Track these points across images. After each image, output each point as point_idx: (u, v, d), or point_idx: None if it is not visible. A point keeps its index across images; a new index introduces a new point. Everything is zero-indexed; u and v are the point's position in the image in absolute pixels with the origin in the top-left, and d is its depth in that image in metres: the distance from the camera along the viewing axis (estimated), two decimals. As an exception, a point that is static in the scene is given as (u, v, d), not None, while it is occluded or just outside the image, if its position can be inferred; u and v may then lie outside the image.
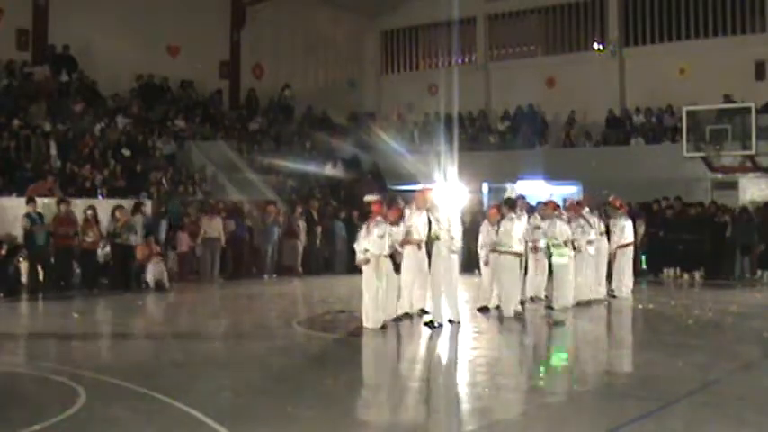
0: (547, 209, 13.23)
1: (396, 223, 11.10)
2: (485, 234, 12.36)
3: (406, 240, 11.30)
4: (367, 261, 10.59)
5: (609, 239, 14.48)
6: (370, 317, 10.61)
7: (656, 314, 13.02)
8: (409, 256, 11.38)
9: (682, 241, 18.35)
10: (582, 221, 13.37)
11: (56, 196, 16.47)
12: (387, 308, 11.04)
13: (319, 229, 20.16)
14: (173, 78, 24.03)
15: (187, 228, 18.21)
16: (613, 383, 7.80)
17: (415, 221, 11.35)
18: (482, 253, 12.40)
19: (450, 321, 11.11)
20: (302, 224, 19.68)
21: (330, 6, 27.76)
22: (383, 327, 10.62)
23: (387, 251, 10.76)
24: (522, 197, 13.79)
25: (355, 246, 10.89)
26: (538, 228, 13.00)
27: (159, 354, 9.51)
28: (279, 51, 26.98)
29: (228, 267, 18.74)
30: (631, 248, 14.97)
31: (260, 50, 26.64)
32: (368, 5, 28.77)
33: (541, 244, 12.91)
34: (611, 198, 15.14)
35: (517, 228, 11.95)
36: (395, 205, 11.57)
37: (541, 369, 8.66)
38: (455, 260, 11.40)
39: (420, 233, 11.34)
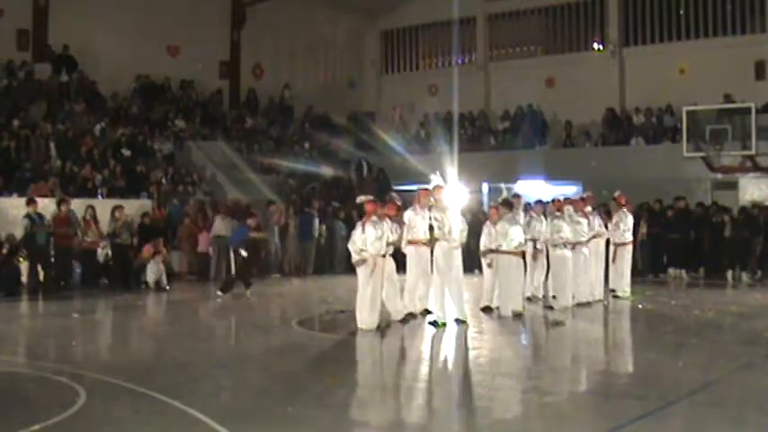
0: (551, 207, 13.26)
1: (394, 218, 11.11)
2: (486, 235, 12.36)
3: (412, 240, 11.30)
4: (364, 261, 10.56)
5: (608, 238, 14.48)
6: (365, 318, 10.57)
7: (656, 314, 13.01)
8: (413, 255, 11.38)
9: (682, 241, 18.35)
10: (581, 220, 13.32)
11: (56, 196, 16.49)
12: (389, 308, 11.05)
13: (324, 228, 20.27)
14: (173, 78, 24.04)
15: (204, 227, 18.37)
16: (613, 383, 7.80)
17: (419, 221, 11.34)
18: (484, 254, 12.40)
19: (456, 321, 11.11)
20: (292, 223, 19.80)
21: (330, 6, 27.74)
22: (378, 328, 10.60)
23: (384, 251, 10.74)
24: (518, 195, 13.80)
25: (349, 245, 10.85)
26: (535, 226, 13.03)
27: (159, 354, 9.51)
28: (279, 51, 26.98)
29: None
30: (630, 248, 14.95)
31: (260, 50, 26.65)
32: (368, 5, 28.76)
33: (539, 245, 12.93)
34: (616, 194, 15.11)
35: (514, 228, 11.94)
36: (390, 201, 11.53)
37: (542, 369, 8.66)
38: (459, 259, 11.39)
39: (425, 233, 11.33)
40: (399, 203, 11.64)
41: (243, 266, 15.01)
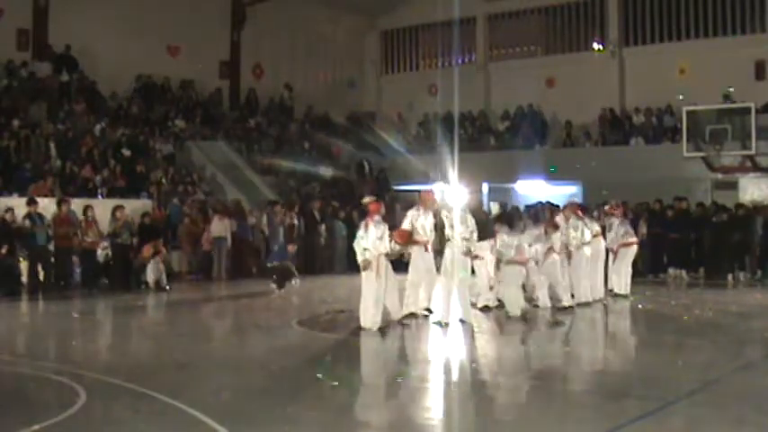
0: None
1: (405, 244, 11.12)
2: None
3: (414, 241, 11.30)
4: (369, 263, 10.55)
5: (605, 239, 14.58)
6: (369, 318, 10.59)
7: (656, 314, 13.02)
8: (417, 256, 11.39)
9: (682, 241, 18.35)
10: (579, 223, 13.43)
11: (56, 196, 16.49)
12: (387, 305, 11.05)
13: (323, 228, 20.26)
14: (173, 78, 24.05)
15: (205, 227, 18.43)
16: (613, 383, 7.80)
17: (422, 222, 11.35)
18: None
19: (461, 321, 11.13)
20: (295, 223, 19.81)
21: (330, 6, 27.75)
22: (381, 328, 10.60)
23: (386, 251, 10.73)
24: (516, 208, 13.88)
25: (355, 246, 10.88)
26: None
27: (159, 354, 9.51)
28: (279, 51, 26.99)
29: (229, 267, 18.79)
30: (633, 248, 14.98)
31: (260, 50, 26.66)
32: (368, 5, 28.76)
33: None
34: (606, 207, 15.26)
35: (512, 238, 12.14)
36: (405, 231, 11.41)
37: (541, 369, 8.66)
38: (467, 260, 11.40)
39: (426, 233, 11.34)
40: (411, 230, 11.52)
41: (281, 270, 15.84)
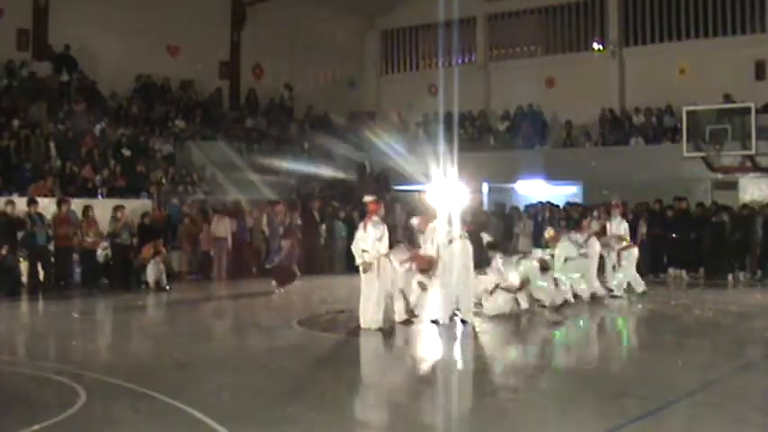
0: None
1: (427, 271, 11.11)
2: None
3: (420, 256, 11.32)
4: (369, 265, 10.51)
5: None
6: (368, 318, 10.57)
7: (656, 314, 13.02)
8: None
9: (682, 241, 18.35)
10: (568, 241, 13.60)
11: (56, 196, 16.49)
12: (395, 307, 11.05)
13: (323, 228, 20.27)
14: (173, 78, 24.05)
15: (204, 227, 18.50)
16: (613, 383, 7.79)
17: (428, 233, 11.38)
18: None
19: (462, 321, 11.13)
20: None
21: (330, 6, 27.74)
22: (381, 328, 10.59)
23: (385, 251, 10.72)
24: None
25: (353, 248, 10.84)
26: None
27: (159, 354, 9.51)
28: (279, 51, 26.98)
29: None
30: (635, 250, 14.99)
31: (260, 50, 26.65)
32: (368, 5, 28.77)
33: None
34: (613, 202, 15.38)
35: (511, 273, 12.27)
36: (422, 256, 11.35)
37: (541, 369, 8.66)
38: (469, 261, 11.40)
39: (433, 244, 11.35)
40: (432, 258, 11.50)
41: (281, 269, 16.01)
